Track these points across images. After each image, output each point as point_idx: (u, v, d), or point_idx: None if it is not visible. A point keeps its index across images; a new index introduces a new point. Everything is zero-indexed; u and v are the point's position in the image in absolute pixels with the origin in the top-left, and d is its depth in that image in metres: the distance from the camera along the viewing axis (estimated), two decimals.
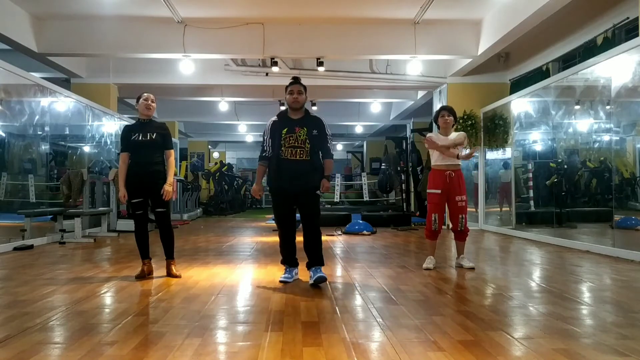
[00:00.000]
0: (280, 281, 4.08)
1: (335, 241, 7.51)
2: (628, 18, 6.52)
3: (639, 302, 3.49)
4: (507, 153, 9.28)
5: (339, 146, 23.49)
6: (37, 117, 7.83)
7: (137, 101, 4.41)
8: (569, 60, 8.24)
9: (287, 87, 4.09)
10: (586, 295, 3.76)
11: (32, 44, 7.97)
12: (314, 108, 12.34)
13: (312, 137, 3.98)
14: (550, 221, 7.98)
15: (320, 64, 8.73)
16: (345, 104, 14.73)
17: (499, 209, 9.79)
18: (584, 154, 8.61)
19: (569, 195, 8.69)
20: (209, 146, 22.11)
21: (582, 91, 7.31)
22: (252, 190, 4.17)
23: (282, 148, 3.96)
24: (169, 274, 4.35)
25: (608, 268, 4.89)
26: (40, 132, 8.20)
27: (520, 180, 9.58)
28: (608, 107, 6.56)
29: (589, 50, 7.26)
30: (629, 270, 4.75)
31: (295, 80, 4.10)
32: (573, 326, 2.79)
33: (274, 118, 4.14)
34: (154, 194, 4.29)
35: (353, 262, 5.30)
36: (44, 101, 7.71)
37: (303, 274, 4.22)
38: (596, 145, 8.10)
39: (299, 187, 3.95)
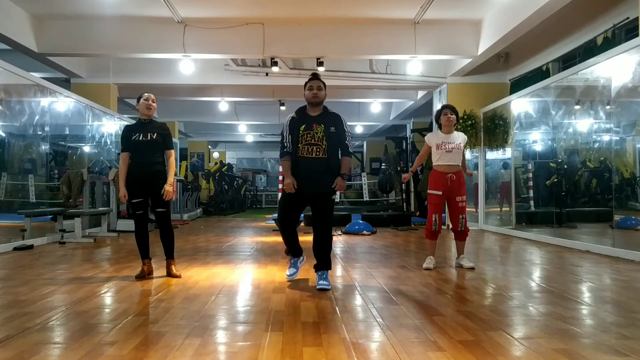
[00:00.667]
0: (288, 278, 4.13)
1: (335, 241, 7.51)
2: (628, 18, 6.52)
3: (639, 302, 3.48)
4: (507, 153, 9.28)
5: None
6: (37, 117, 7.83)
7: (138, 101, 4.40)
8: (569, 60, 8.24)
9: (306, 83, 4.02)
10: (586, 295, 3.76)
11: (32, 44, 7.97)
12: None
13: (329, 135, 3.90)
14: (550, 221, 7.98)
15: (320, 64, 8.73)
16: (345, 104, 14.71)
17: (499, 209, 9.79)
18: (584, 154, 8.61)
19: (569, 195, 8.69)
20: (209, 146, 22.11)
21: (582, 91, 7.31)
22: (285, 184, 3.96)
23: (300, 145, 3.90)
24: (169, 274, 4.35)
25: (608, 268, 4.89)
26: (40, 132, 8.20)
27: (520, 180, 9.58)
28: (608, 107, 6.56)
29: (589, 50, 7.26)
30: (629, 270, 4.75)
31: (315, 76, 4.04)
32: (573, 326, 2.79)
33: (292, 114, 4.06)
34: (154, 194, 4.29)
35: (353, 262, 5.30)
36: (44, 101, 7.71)
37: (305, 272, 4.22)
38: (596, 145, 8.10)
39: (314, 187, 3.90)
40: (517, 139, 9.22)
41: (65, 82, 9.97)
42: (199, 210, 14.88)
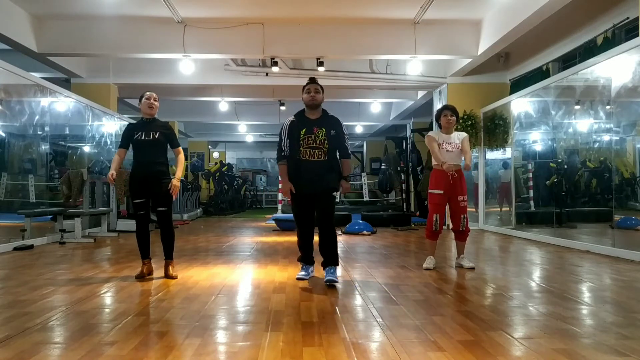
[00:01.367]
0: (297, 278, 4.17)
1: None
2: (628, 18, 6.52)
3: (639, 302, 3.48)
4: (507, 153, 9.28)
5: None
6: (37, 117, 7.83)
7: (140, 100, 4.40)
8: (569, 60, 8.24)
9: (304, 86, 4.09)
10: (586, 295, 3.76)
11: (32, 44, 7.97)
12: None
13: (330, 138, 3.98)
14: (550, 221, 7.98)
15: (320, 64, 8.73)
16: (345, 104, 14.71)
17: (498, 209, 9.79)
18: (584, 154, 8.61)
19: (569, 195, 8.69)
20: (209, 146, 22.11)
21: (582, 91, 7.31)
22: (283, 191, 4.13)
23: (301, 149, 3.95)
24: (166, 274, 4.32)
25: (608, 268, 4.89)
26: (40, 132, 8.20)
27: (520, 180, 9.58)
28: (608, 107, 6.56)
29: (589, 50, 7.26)
30: (629, 270, 4.74)
31: (312, 80, 4.11)
32: (573, 326, 2.79)
33: (292, 118, 4.11)
34: (156, 193, 4.28)
35: (353, 262, 5.30)
36: (44, 101, 7.71)
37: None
38: (596, 145, 8.10)
39: (317, 188, 3.98)
40: (517, 139, 9.22)
41: (65, 82, 9.97)
42: (199, 210, 14.88)
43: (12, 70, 6.56)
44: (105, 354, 2.32)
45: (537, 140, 9.63)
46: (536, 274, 4.74)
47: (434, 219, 4.79)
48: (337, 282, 3.92)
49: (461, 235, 4.90)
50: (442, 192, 4.76)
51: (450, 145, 4.80)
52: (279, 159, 4.13)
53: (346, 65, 10.31)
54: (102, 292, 3.76)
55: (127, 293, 3.73)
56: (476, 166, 10.00)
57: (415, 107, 13.37)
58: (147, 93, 4.39)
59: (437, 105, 10.60)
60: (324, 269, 4.08)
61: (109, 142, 10.10)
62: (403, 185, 11.90)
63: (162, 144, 4.33)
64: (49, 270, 4.70)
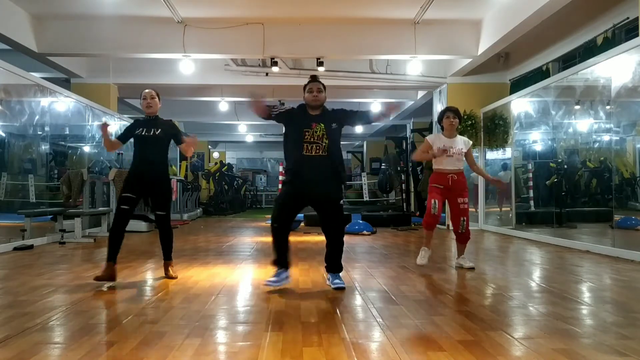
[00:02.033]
0: (265, 284, 3.81)
1: None
2: (628, 18, 6.52)
3: (639, 302, 3.49)
4: (507, 153, 9.28)
5: None
6: (37, 117, 7.83)
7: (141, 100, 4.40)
8: (569, 60, 8.24)
9: (305, 85, 3.96)
10: (586, 295, 3.76)
11: (32, 44, 7.96)
12: None
13: (331, 132, 3.82)
14: (550, 221, 7.98)
15: (320, 64, 8.73)
16: (345, 104, 14.71)
17: (499, 209, 9.79)
18: (584, 154, 8.62)
19: (569, 195, 8.69)
20: (209, 146, 22.11)
21: (582, 91, 7.31)
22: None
23: (300, 143, 3.78)
24: (166, 275, 4.27)
25: (608, 268, 4.89)
26: (40, 132, 8.20)
27: (520, 180, 9.58)
28: (608, 107, 6.57)
29: (589, 50, 7.26)
30: (629, 270, 4.74)
31: (314, 78, 3.96)
32: (573, 326, 2.79)
33: (293, 107, 4.01)
34: (154, 196, 4.25)
35: (353, 262, 5.30)
36: (44, 101, 7.71)
37: (305, 273, 4.21)
38: (596, 145, 8.11)
39: (318, 189, 3.78)
40: (517, 139, 9.22)
41: (65, 82, 9.97)
42: (199, 210, 14.88)
43: (12, 70, 6.55)
44: (105, 354, 2.31)
45: (537, 140, 9.64)
46: (536, 274, 4.74)
47: (433, 203, 4.66)
48: (344, 287, 3.77)
49: (461, 237, 4.83)
50: (442, 186, 4.71)
51: (451, 150, 4.69)
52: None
53: (346, 65, 10.31)
54: (102, 292, 3.76)
55: (127, 293, 3.73)
56: None
57: (415, 107, 13.37)
58: (144, 92, 4.32)
59: (437, 105, 10.60)
60: (327, 272, 3.96)
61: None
62: (403, 185, 11.90)
63: (163, 142, 4.25)
64: (49, 270, 4.70)
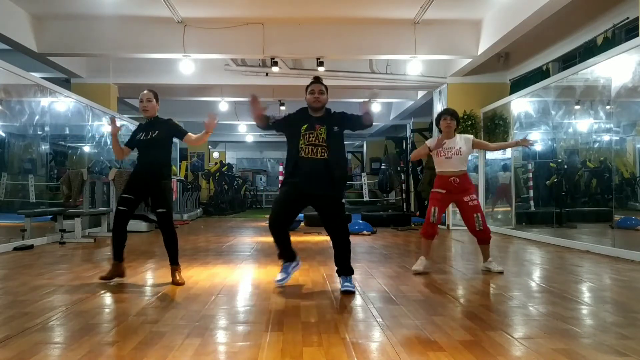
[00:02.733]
0: (277, 284, 3.88)
1: None
2: (628, 18, 6.52)
3: (639, 302, 3.49)
4: (507, 153, 9.28)
5: None
6: (37, 117, 7.83)
7: None
8: (569, 60, 8.24)
9: (307, 86, 3.91)
10: (586, 295, 3.76)
11: (32, 44, 7.97)
12: None
13: (333, 134, 3.79)
14: (550, 221, 7.98)
15: (320, 64, 8.73)
16: (345, 104, 14.71)
17: (497, 209, 9.80)
18: (584, 154, 8.62)
19: (569, 195, 8.69)
20: (209, 146, 22.10)
21: (582, 91, 7.32)
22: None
23: (302, 145, 3.75)
24: (173, 281, 4.06)
25: (608, 268, 4.89)
26: (40, 132, 8.20)
27: (520, 180, 9.58)
28: (608, 107, 6.57)
29: (589, 50, 7.26)
30: (629, 270, 4.74)
31: (317, 80, 3.92)
32: (573, 326, 2.79)
33: (295, 112, 3.99)
34: (154, 194, 4.21)
35: (353, 262, 5.24)
36: (44, 101, 7.71)
37: (305, 273, 4.21)
38: (596, 145, 8.11)
39: (318, 188, 3.73)
40: (517, 139, 9.21)
41: (65, 82, 9.97)
42: (199, 210, 14.87)
43: (12, 70, 6.55)
44: (105, 354, 2.31)
45: (537, 140, 9.61)
46: (536, 274, 4.74)
47: (432, 210, 4.57)
48: (353, 291, 3.67)
49: (482, 237, 4.57)
50: (443, 191, 4.61)
51: (450, 152, 4.59)
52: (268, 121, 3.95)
53: (346, 65, 10.31)
54: (102, 292, 3.76)
55: (127, 293, 3.73)
56: (476, 167, 10.00)
57: (415, 107, 13.37)
58: (141, 94, 4.24)
59: (437, 105, 10.60)
60: (338, 276, 3.87)
61: (108, 142, 10.09)
62: (403, 185, 11.90)
63: (161, 143, 4.19)
64: (49, 270, 4.70)
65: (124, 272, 4.14)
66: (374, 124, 16.30)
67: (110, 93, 10.38)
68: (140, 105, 4.25)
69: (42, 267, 4.96)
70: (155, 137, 4.16)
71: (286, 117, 3.99)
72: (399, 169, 12.06)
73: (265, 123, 3.94)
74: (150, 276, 4.45)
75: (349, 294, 3.63)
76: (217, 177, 16.59)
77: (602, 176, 7.84)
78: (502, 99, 9.36)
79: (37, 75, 8.00)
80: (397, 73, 10.36)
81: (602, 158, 7.91)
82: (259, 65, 10.12)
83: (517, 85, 9.60)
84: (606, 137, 7.35)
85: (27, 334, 2.61)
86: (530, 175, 9.42)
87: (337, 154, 3.80)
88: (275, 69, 8.97)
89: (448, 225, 9.34)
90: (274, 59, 8.72)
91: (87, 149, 9.65)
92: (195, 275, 4.46)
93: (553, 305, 3.28)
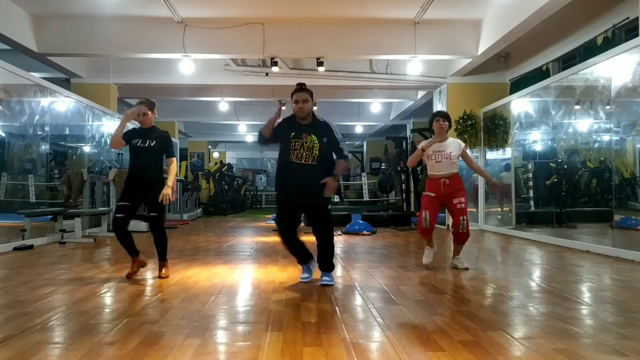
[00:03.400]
0: (302, 281, 4.11)
1: (335, 241, 7.49)
2: (628, 18, 6.52)
3: (639, 302, 3.49)
4: (507, 153, 9.28)
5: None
6: (37, 117, 7.83)
7: None
8: (569, 60, 8.24)
9: (292, 94, 3.96)
10: (586, 295, 3.76)
11: (32, 44, 7.96)
12: (314, 108, 12.33)
13: (322, 144, 3.89)
14: (550, 221, 7.98)
15: (320, 64, 8.73)
16: (345, 104, 14.72)
17: (500, 209, 9.79)
18: (584, 154, 8.61)
19: (569, 195, 8.69)
20: (209, 146, 22.10)
21: (582, 91, 7.31)
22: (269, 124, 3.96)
23: (289, 150, 3.87)
24: (159, 275, 4.32)
25: (608, 268, 4.89)
26: (40, 132, 8.20)
27: (520, 180, 9.58)
28: (608, 107, 6.56)
29: (589, 50, 7.25)
30: (629, 270, 4.75)
31: (300, 87, 3.95)
32: (573, 326, 2.79)
33: (283, 119, 4.04)
34: (148, 198, 4.29)
35: (353, 262, 5.30)
36: (44, 101, 7.71)
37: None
38: (596, 145, 8.10)
39: (306, 197, 3.87)
40: (517, 139, 9.22)
41: (65, 82, 9.97)
42: (199, 210, 14.88)
43: (12, 70, 6.56)
44: (105, 354, 2.32)
45: (537, 140, 9.63)
46: (536, 274, 4.74)
47: (424, 215, 4.78)
48: (332, 284, 3.97)
49: (460, 238, 4.82)
50: (433, 194, 4.78)
51: (440, 155, 4.71)
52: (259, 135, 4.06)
53: (346, 65, 10.30)
54: (102, 292, 3.76)
55: (127, 293, 3.73)
56: None
57: (415, 107, 13.37)
58: (137, 106, 4.35)
59: (437, 105, 10.60)
60: (320, 271, 4.08)
61: (109, 142, 10.09)
62: (403, 185, 11.89)
63: (158, 152, 4.35)
64: (49, 270, 4.70)
65: (145, 263, 4.45)
66: (374, 124, 16.16)
67: (110, 93, 10.37)
68: (137, 117, 4.37)
69: (42, 267, 4.96)
70: (154, 147, 4.33)
71: (276, 128, 4.04)
72: (399, 169, 12.06)
73: (271, 135, 4.00)
74: (150, 276, 4.45)
75: (327, 286, 3.90)
76: (217, 177, 16.59)
77: (602, 176, 7.83)
78: (502, 99, 9.36)
79: (37, 75, 8.00)
80: (397, 73, 10.35)
81: (602, 158, 7.90)
82: (259, 65, 10.12)
83: (517, 85, 9.60)
84: (606, 137, 7.34)
85: (27, 334, 2.61)
86: (530, 175, 9.42)
87: (324, 161, 3.92)
88: (275, 69, 8.97)
89: (448, 226, 9.33)
90: (273, 59, 8.72)
91: (87, 149, 9.65)
92: (195, 275, 4.46)
93: (553, 305, 3.28)
